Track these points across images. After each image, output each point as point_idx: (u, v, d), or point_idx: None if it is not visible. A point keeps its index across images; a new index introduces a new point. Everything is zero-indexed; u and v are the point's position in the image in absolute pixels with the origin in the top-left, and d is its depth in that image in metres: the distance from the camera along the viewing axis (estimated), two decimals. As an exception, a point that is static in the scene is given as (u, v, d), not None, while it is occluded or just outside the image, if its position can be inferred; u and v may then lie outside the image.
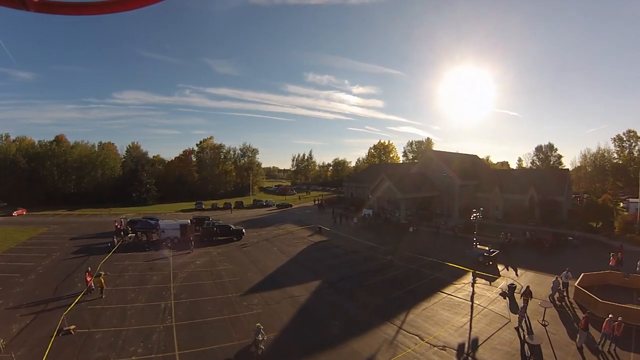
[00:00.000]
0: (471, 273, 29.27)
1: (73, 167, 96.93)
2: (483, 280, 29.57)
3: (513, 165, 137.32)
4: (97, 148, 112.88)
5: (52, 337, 19.51)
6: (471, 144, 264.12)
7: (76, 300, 24.77)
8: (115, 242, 42.54)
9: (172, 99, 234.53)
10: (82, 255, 38.05)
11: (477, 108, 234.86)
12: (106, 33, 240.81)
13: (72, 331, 20.28)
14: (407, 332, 20.89)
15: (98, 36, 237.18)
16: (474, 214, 35.12)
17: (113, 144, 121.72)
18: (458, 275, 30.94)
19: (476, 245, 35.17)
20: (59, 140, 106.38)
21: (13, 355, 17.31)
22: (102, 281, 26.94)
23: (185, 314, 23.18)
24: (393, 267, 33.99)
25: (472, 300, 25.61)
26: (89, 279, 26.85)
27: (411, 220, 56.51)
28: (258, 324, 18.43)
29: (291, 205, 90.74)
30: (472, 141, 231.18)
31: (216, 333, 20.55)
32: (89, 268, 29.00)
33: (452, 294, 26.93)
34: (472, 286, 27.97)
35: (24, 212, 73.56)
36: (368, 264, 35.37)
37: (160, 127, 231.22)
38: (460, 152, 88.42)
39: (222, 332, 20.72)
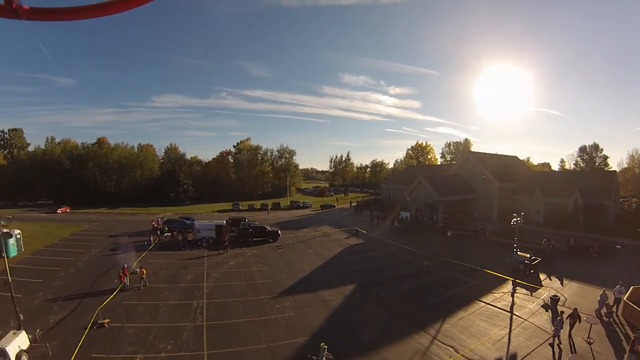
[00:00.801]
0: (511, 282, 27.84)
1: (113, 167, 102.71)
2: (524, 290, 27.94)
3: (555, 166, 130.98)
4: (136, 150, 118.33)
5: (86, 329, 20.44)
6: (510, 145, 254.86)
7: (112, 296, 25.80)
8: (152, 240, 43.94)
9: (209, 101, 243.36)
10: (119, 252, 39.62)
11: (516, 107, 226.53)
12: (143, 40, 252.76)
13: (105, 325, 21.18)
14: (442, 342, 19.97)
15: (135, 43, 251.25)
16: (515, 219, 33.37)
17: (152, 145, 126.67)
18: (497, 283, 29.50)
19: (516, 251, 33.45)
20: (100, 142, 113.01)
21: (48, 345, 18.22)
22: (144, 272, 28.63)
23: (216, 314, 23.50)
24: (429, 272, 32.99)
25: (511, 311, 24.20)
26: (122, 276, 27.93)
27: (448, 223, 54.89)
28: (322, 344, 17.26)
29: (334, 206, 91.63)
30: (511, 142, 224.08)
31: (246, 335, 20.65)
32: (125, 265, 30.10)
33: (491, 303, 25.61)
34: (512, 296, 26.55)
35: (67, 210, 78.75)
36: (404, 268, 34.54)
37: (197, 129, 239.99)
38: (499, 153, 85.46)
39: (252, 334, 20.79)
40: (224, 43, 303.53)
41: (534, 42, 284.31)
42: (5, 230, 22.15)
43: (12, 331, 17.83)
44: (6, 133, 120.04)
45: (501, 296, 26.90)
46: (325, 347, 16.98)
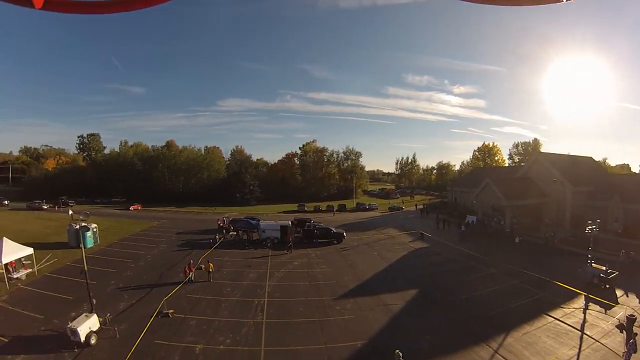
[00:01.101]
0: (583, 297, 25.67)
1: (181, 169, 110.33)
2: (597, 307, 25.39)
3: (636, 168, 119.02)
4: (203, 152, 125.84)
5: (152, 317, 22.15)
6: (584, 144, 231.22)
7: (177, 288, 27.58)
8: (217, 239, 46.03)
9: (274, 104, 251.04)
10: (186, 248, 42.31)
11: (590, 103, 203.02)
12: (208, 48, 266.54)
13: (170, 314, 22.76)
14: (504, 358, 18.71)
15: (202, 51, 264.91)
16: (590, 226, 30.67)
17: (218, 147, 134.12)
18: (567, 297, 27.15)
19: (591, 263, 30.70)
20: (169, 145, 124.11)
21: (116, 328, 20.20)
22: (211, 266, 30.50)
23: (276, 312, 24.08)
24: (494, 280, 31.34)
25: (582, 329, 22.07)
26: (187, 271, 29.80)
27: (516, 229, 51.81)
28: (397, 351, 17.11)
29: (402, 208, 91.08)
30: (585, 141, 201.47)
31: (304, 334, 20.96)
32: (192, 261, 32.25)
33: (560, 319, 23.59)
34: (584, 313, 24.36)
35: (139, 207, 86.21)
36: (468, 275, 33.19)
37: (263, 132, 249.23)
38: (571, 153, 78.98)
39: (311, 334, 21.05)
40: (285, 47, 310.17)
41: (606, 30, 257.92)
42: (83, 224, 25.26)
43: (84, 314, 19.98)
44: (85, 138, 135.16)
45: (571, 312, 24.79)
46: (400, 354, 16.87)
